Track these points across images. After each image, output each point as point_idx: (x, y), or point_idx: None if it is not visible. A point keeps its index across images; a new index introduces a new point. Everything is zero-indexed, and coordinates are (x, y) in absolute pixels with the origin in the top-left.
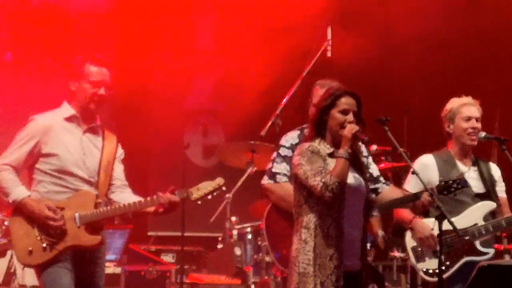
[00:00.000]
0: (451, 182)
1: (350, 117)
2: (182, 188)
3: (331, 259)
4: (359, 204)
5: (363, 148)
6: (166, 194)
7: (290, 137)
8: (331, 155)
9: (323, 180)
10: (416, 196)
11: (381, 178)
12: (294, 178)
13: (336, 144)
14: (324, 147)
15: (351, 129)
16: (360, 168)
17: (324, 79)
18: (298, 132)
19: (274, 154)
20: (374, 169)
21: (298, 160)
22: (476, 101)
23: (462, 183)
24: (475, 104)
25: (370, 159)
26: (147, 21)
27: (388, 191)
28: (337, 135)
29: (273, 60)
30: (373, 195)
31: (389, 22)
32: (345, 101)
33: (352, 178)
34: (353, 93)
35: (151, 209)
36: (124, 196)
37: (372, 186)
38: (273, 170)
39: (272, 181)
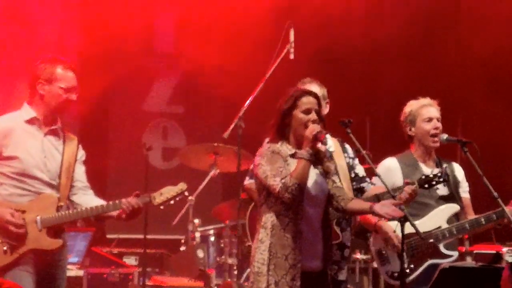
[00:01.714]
0: (432, 176)
1: (313, 115)
2: (145, 191)
3: (287, 259)
4: (320, 205)
5: (348, 149)
6: (129, 199)
7: None
8: (293, 156)
9: (282, 181)
10: (397, 191)
11: (367, 178)
12: (255, 178)
13: (299, 145)
14: (286, 148)
15: (312, 129)
16: (323, 167)
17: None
18: None
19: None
20: (360, 170)
21: (258, 161)
22: (434, 101)
23: (444, 176)
24: (434, 105)
25: (356, 161)
26: (107, 23)
27: (372, 190)
28: (301, 136)
29: (235, 62)
30: (359, 194)
31: (351, 25)
32: (306, 101)
33: (313, 178)
34: (312, 92)
35: (115, 213)
36: (86, 198)
37: (357, 186)
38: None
39: (252, 180)
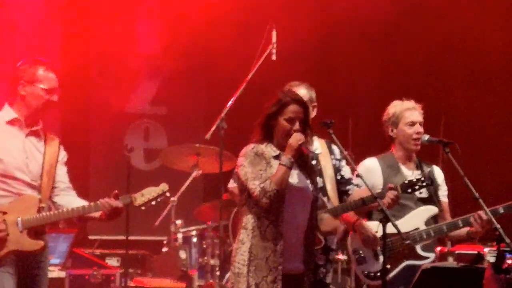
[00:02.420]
0: (415, 180)
1: (296, 125)
2: (126, 192)
3: (267, 261)
4: (304, 207)
5: (336, 151)
6: (108, 200)
7: None
8: (277, 157)
9: (262, 185)
10: (381, 195)
11: (353, 180)
12: (237, 179)
13: (283, 148)
14: (270, 149)
15: (297, 139)
16: (309, 172)
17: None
18: None
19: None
20: (346, 172)
21: (241, 161)
22: (418, 104)
23: (427, 181)
24: (418, 108)
25: (343, 162)
26: (90, 25)
27: (356, 193)
28: (283, 142)
29: (216, 64)
30: (344, 197)
31: (334, 27)
32: (292, 109)
33: (296, 181)
34: (301, 100)
35: (97, 214)
36: (69, 199)
37: (343, 188)
38: None
39: (235, 184)
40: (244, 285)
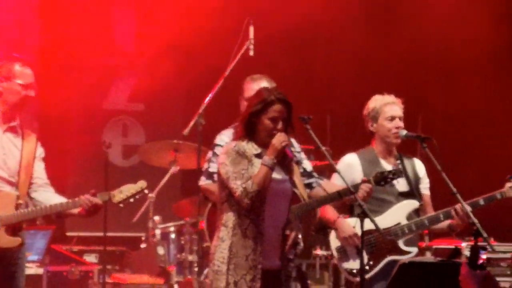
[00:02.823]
0: (387, 172)
1: (279, 125)
2: (104, 188)
3: (247, 259)
4: (283, 204)
5: (295, 143)
6: (89, 196)
7: (225, 136)
8: (258, 156)
9: (243, 185)
10: (354, 188)
11: (314, 173)
12: (218, 175)
13: (265, 145)
14: (252, 147)
15: (281, 141)
16: (287, 168)
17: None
18: (232, 130)
19: (210, 154)
20: (307, 164)
21: (223, 159)
22: (398, 99)
23: (398, 173)
24: (398, 103)
25: (303, 154)
26: (67, 21)
27: (323, 186)
28: (265, 141)
29: (195, 59)
30: (308, 190)
31: (311, 23)
32: (276, 109)
33: (275, 178)
34: (285, 100)
35: (75, 211)
36: (47, 195)
37: (306, 181)
38: (211, 170)
39: (210, 181)
40: (223, 283)
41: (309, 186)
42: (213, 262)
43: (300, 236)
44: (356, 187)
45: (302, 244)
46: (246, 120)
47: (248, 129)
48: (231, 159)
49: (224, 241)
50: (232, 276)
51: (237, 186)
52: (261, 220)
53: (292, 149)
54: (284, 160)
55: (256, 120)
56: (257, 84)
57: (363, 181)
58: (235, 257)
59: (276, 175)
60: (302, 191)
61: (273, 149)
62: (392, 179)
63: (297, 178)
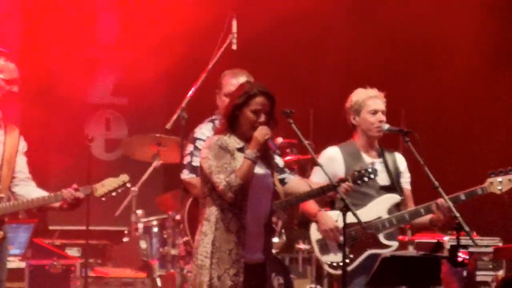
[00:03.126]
0: (363, 171)
1: (262, 118)
2: (87, 182)
3: (230, 253)
4: (266, 198)
5: None
6: (71, 190)
7: (205, 129)
8: (241, 150)
9: (226, 179)
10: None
11: (286, 169)
12: (200, 170)
13: (247, 139)
14: (234, 141)
15: (264, 133)
16: (269, 162)
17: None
18: (211, 124)
19: (191, 148)
20: (279, 160)
21: (206, 154)
22: (381, 93)
23: (374, 172)
24: (381, 97)
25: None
26: (49, 15)
27: (295, 182)
28: (247, 134)
29: (177, 53)
30: (280, 185)
31: (294, 16)
32: (258, 101)
33: (258, 172)
34: (268, 93)
35: (57, 204)
36: (28, 189)
37: (279, 177)
38: (194, 163)
39: (194, 175)
40: (207, 277)
41: (281, 181)
42: (197, 257)
43: (283, 230)
44: (334, 185)
45: (284, 237)
46: (229, 113)
47: (231, 122)
48: (214, 153)
49: (207, 235)
50: (216, 271)
51: (220, 180)
52: (243, 214)
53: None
54: (266, 155)
55: (238, 113)
56: (236, 79)
57: (341, 180)
58: (218, 252)
59: (259, 169)
60: (279, 187)
61: (256, 142)
62: (369, 178)
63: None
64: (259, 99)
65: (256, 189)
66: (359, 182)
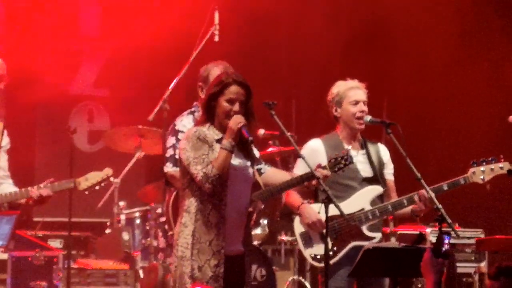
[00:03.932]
0: (339, 158)
1: (236, 107)
2: (70, 175)
3: (211, 244)
4: (245, 189)
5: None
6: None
7: (186, 122)
8: (219, 141)
9: (204, 170)
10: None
11: (262, 160)
12: (179, 161)
13: (224, 130)
14: (213, 133)
15: (237, 122)
16: (248, 153)
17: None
18: (191, 116)
19: (173, 140)
20: (255, 150)
21: (184, 145)
22: (362, 84)
23: (349, 159)
24: (361, 87)
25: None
26: (31, 5)
27: (272, 172)
28: (223, 123)
29: (160, 45)
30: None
31: (277, 8)
32: (233, 90)
33: (237, 163)
34: (243, 82)
35: (23, 200)
36: (3, 187)
37: (255, 167)
38: (177, 156)
39: (177, 168)
40: (188, 269)
41: (258, 171)
42: (177, 248)
43: (265, 221)
44: (313, 174)
45: (267, 229)
46: (205, 104)
47: (208, 113)
48: (192, 144)
49: (187, 226)
50: (196, 262)
51: (197, 171)
52: (223, 206)
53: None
54: (245, 146)
55: (215, 103)
56: (220, 70)
57: (318, 167)
58: (198, 243)
59: (238, 160)
60: (257, 177)
61: (230, 132)
62: (345, 164)
63: None
64: (233, 88)
65: (235, 180)
66: (336, 169)
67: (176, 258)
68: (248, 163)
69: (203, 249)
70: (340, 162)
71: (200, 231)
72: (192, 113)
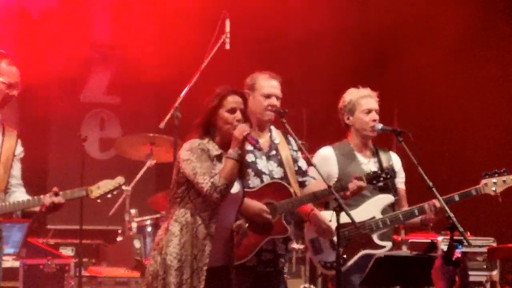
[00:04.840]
0: (380, 172)
1: (238, 115)
2: (81, 182)
3: (195, 258)
4: (234, 209)
5: (292, 142)
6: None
7: None
8: (219, 158)
9: (211, 180)
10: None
11: (309, 172)
12: (176, 171)
13: (224, 145)
14: (213, 148)
15: (242, 130)
16: (240, 170)
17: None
18: None
19: None
20: (302, 163)
21: (187, 156)
22: (374, 92)
23: (391, 173)
24: (374, 96)
25: (299, 154)
26: (44, 12)
27: (312, 184)
28: (227, 135)
29: (171, 53)
30: (300, 188)
31: (288, 16)
32: (232, 100)
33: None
34: (239, 91)
35: (37, 208)
36: (16, 195)
37: (300, 179)
38: None
39: None
40: (176, 279)
41: (302, 184)
42: (165, 256)
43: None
44: (343, 185)
45: (293, 239)
46: (205, 120)
47: (207, 129)
48: (197, 155)
49: (176, 236)
50: (182, 274)
51: (206, 181)
52: (212, 223)
53: (289, 147)
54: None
55: (214, 118)
56: (273, 81)
57: (355, 178)
58: (184, 255)
59: None
60: (296, 189)
61: (236, 141)
62: (386, 178)
63: (291, 176)
64: (231, 98)
65: (227, 200)
66: (374, 182)
67: (164, 266)
68: (240, 183)
69: (188, 261)
70: (380, 176)
71: (187, 244)
72: None
